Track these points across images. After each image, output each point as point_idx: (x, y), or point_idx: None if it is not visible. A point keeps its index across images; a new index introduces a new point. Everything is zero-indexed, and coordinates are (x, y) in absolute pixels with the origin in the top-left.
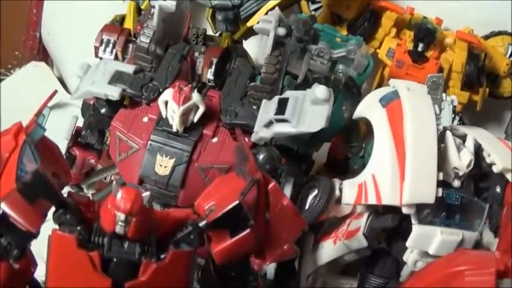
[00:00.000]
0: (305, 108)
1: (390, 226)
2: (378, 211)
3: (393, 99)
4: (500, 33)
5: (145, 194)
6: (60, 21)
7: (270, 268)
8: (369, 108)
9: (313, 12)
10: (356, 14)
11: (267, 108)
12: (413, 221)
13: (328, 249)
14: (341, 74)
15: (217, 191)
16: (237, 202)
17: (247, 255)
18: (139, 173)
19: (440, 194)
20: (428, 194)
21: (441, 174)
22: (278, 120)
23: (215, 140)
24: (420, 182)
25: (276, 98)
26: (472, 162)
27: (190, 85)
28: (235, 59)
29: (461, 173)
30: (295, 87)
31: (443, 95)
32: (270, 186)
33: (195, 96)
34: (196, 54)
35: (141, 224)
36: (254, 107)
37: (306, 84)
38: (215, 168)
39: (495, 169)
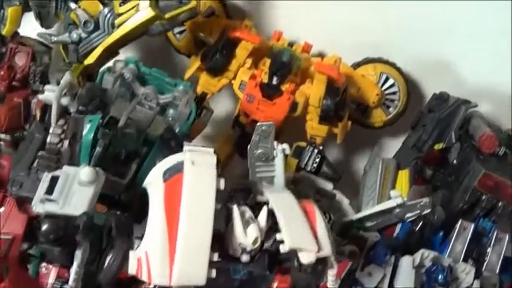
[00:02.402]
0: (73, 188)
1: None
2: None
3: (177, 172)
4: (373, 60)
5: None
6: None
7: None
8: (152, 180)
9: (177, 36)
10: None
11: (43, 185)
12: None
13: None
14: (171, 119)
15: None
16: None
17: None
18: None
19: (213, 275)
20: (199, 276)
21: (216, 254)
22: (48, 199)
23: (1, 209)
24: (190, 263)
25: (49, 176)
26: (259, 239)
27: None
28: (32, 122)
29: (249, 249)
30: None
31: (275, 143)
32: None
33: None
34: None
35: None
36: (41, 177)
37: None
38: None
39: (282, 248)
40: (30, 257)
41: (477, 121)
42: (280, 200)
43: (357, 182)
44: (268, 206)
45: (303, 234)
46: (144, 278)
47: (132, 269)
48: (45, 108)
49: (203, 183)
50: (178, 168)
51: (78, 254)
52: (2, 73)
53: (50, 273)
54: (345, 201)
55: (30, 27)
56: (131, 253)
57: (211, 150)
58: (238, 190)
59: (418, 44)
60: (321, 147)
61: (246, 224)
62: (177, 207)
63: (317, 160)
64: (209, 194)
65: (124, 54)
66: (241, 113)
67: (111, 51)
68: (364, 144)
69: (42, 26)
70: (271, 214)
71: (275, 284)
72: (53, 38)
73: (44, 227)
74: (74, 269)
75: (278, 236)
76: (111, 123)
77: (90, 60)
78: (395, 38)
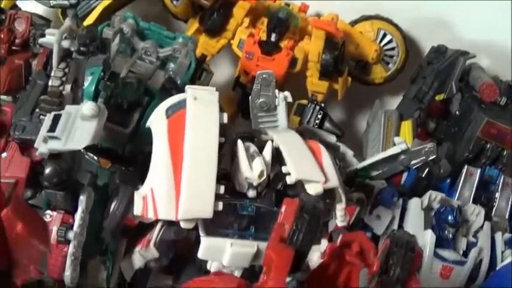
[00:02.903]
0: (76, 124)
1: (174, 239)
2: (171, 222)
3: (179, 109)
4: (370, 17)
5: None
6: None
7: (67, 277)
8: (155, 118)
9: (174, 2)
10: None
11: (45, 124)
12: (201, 232)
13: (136, 256)
14: (171, 73)
15: None
16: None
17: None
18: None
19: (220, 208)
20: (205, 209)
21: (222, 187)
22: (51, 137)
23: (4, 154)
24: (196, 196)
25: (52, 115)
26: (265, 172)
27: None
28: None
29: (255, 183)
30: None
31: (276, 91)
32: (2, 213)
33: None
34: None
35: None
36: (43, 121)
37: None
38: (2, 183)
39: (288, 180)
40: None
41: (477, 72)
42: (285, 137)
43: (360, 140)
44: (273, 143)
45: (308, 166)
46: (150, 215)
47: (137, 210)
48: (48, 57)
49: (206, 116)
50: (181, 105)
51: (83, 200)
52: (2, 36)
53: (55, 220)
54: (349, 153)
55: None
56: (136, 194)
57: (213, 88)
58: (242, 137)
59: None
60: (322, 104)
61: (251, 158)
62: (181, 141)
63: (319, 117)
64: (212, 127)
65: None
66: (241, 71)
67: (109, 13)
68: (366, 103)
69: None
70: (278, 155)
71: (283, 207)
72: (52, 2)
73: (47, 171)
74: (78, 214)
75: (284, 169)
76: (112, 77)
77: (89, 20)
78: None
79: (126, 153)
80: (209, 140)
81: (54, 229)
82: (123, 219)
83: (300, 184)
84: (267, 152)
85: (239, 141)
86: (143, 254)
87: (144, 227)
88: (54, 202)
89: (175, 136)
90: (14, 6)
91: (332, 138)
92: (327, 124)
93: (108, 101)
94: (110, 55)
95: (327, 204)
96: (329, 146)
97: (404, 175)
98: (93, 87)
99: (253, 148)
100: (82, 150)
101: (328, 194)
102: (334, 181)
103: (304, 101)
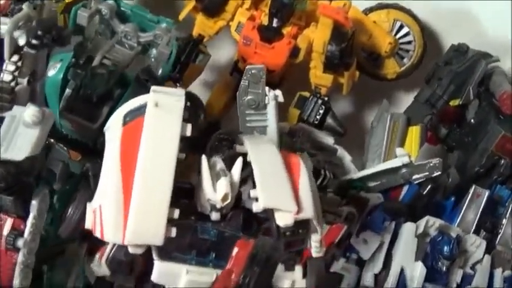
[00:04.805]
0: (19, 130)
1: (124, 260)
2: None
3: (138, 115)
4: (387, 6)
5: None
6: None
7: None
8: (112, 124)
9: None
10: None
11: None
12: (154, 256)
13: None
14: (153, 60)
15: None
16: None
17: None
18: None
19: (173, 234)
20: (155, 235)
21: (177, 211)
22: None
23: None
24: (146, 221)
25: None
26: (229, 196)
27: None
28: None
29: (218, 206)
30: None
31: (266, 88)
32: None
33: None
34: None
35: None
36: None
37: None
38: None
39: (255, 207)
40: None
41: (499, 78)
42: (261, 152)
43: (364, 139)
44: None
45: (281, 193)
46: (98, 234)
47: (89, 223)
48: None
49: (166, 128)
50: (140, 111)
51: (35, 204)
52: None
53: (5, 224)
54: (347, 158)
55: None
56: (88, 205)
57: (182, 92)
58: (222, 140)
59: None
60: (325, 98)
61: (216, 176)
62: (135, 155)
63: (321, 111)
64: (171, 141)
65: None
66: (239, 57)
67: None
68: (375, 99)
69: None
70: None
71: (235, 250)
72: None
73: None
74: (29, 221)
75: (252, 193)
76: (86, 62)
77: None
78: None
79: (98, 146)
80: (166, 157)
81: (3, 235)
82: (78, 225)
83: (270, 210)
84: (236, 170)
85: (203, 157)
86: (96, 270)
87: None
88: (4, 206)
89: (128, 148)
90: None
91: (330, 141)
92: (328, 120)
93: (78, 92)
94: (84, 38)
95: (300, 234)
96: (324, 150)
97: (404, 189)
98: (62, 75)
99: (220, 165)
100: (52, 140)
101: (302, 224)
102: (308, 212)
103: (307, 93)
